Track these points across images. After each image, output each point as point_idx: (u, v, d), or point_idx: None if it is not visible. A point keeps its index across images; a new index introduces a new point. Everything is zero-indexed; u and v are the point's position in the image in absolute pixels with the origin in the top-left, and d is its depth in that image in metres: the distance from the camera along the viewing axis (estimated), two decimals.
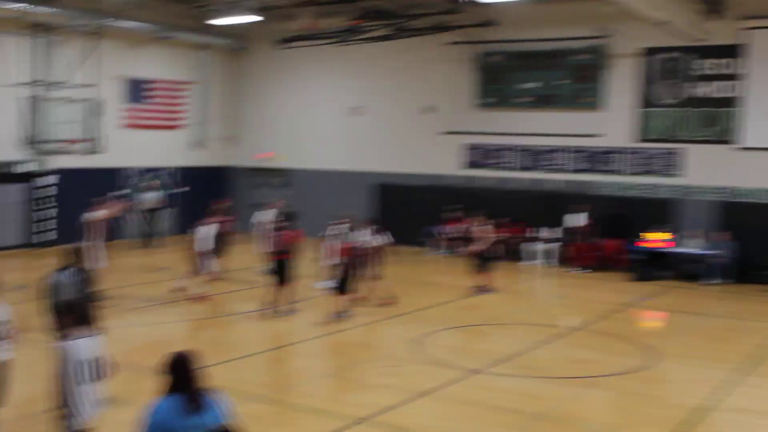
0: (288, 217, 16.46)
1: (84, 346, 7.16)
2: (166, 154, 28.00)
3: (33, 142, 19.39)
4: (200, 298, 17.02)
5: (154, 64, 27.46)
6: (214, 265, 17.60)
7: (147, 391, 10.97)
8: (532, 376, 12.11)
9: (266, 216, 20.12)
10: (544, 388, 11.59)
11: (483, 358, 13.10)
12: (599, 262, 22.37)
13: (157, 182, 26.60)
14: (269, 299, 15.96)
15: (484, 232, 18.83)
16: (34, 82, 20.10)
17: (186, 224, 22.99)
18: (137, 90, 26.73)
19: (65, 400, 7.14)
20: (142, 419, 5.73)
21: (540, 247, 23.29)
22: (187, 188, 28.32)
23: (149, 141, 27.39)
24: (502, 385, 11.70)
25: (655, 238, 21.46)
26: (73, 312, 7.41)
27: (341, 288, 15.67)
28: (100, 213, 17.18)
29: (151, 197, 25.53)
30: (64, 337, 7.26)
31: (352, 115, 27.48)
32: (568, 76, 23.67)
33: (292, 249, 16.25)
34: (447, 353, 13.43)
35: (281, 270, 15.99)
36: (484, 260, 18.71)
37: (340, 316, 15.49)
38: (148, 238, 25.68)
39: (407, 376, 11.96)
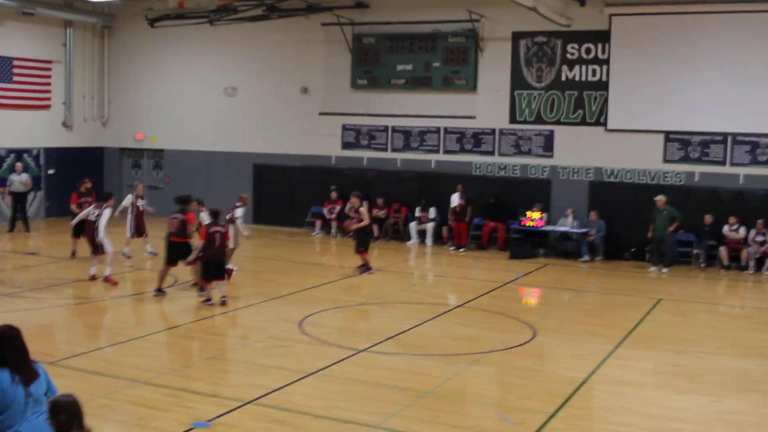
0: (182, 201, 16.17)
1: None
2: (32, 135, 27.01)
3: None
4: (113, 280, 16.89)
5: (18, 42, 26.38)
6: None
7: None
8: (416, 354, 12.27)
9: (130, 198, 20.10)
10: (428, 365, 11.77)
11: (366, 337, 13.20)
12: (475, 242, 22.89)
13: (22, 164, 25.61)
14: (160, 281, 15.90)
15: (360, 212, 19.01)
16: None
17: (54, 207, 22.39)
18: (0, 68, 25.68)
19: None
20: None
21: (417, 226, 23.58)
22: (53, 170, 27.45)
23: (14, 121, 26.33)
24: (387, 363, 11.81)
25: (529, 217, 22.07)
26: None
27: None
28: None
29: (17, 180, 24.52)
30: None
31: (226, 96, 27.11)
32: (441, 58, 23.96)
33: (190, 232, 16.00)
34: (331, 333, 13.48)
35: (176, 252, 15.80)
36: (360, 240, 18.86)
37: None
38: (15, 222, 24.65)
39: (292, 357, 11.95)
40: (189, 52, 27.79)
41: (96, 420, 9.28)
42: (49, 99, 27.57)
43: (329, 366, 11.49)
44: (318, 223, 24.96)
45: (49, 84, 27.52)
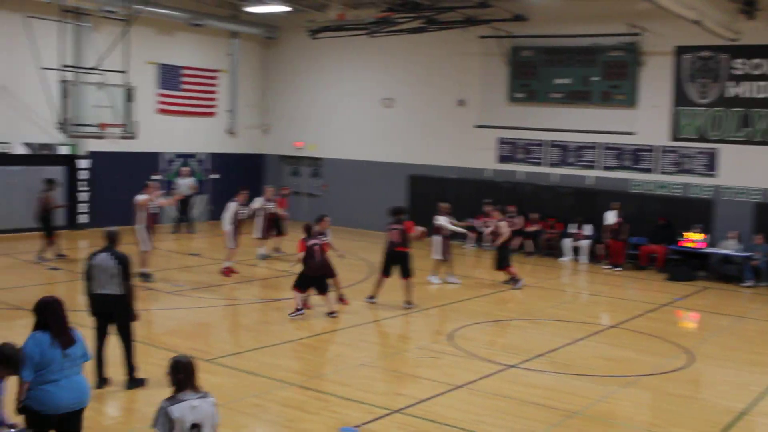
0: (398, 212, 16.45)
1: None
2: (198, 141, 28.27)
3: (67, 125, 19.49)
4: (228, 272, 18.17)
5: (186, 52, 27.63)
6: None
7: None
8: (566, 373, 12.01)
9: (260, 201, 20.67)
10: (577, 385, 11.50)
11: (516, 352, 13.04)
12: (631, 261, 22.27)
13: (189, 168, 26.77)
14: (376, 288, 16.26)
15: (507, 226, 18.86)
16: (67, 67, 20.18)
17: (218, 211, 23.26)
18: (170, 76, 26.97)
19: None
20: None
21: (571, 243, 23.14)
22: (217, 175, 28.59)
23: (182, 127, 27.66)
24: (536, 380, 11.62)
25: (689, 238, 21.30)
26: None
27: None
28: (144, 197, 17.39)
29: (183, 183, 25.69)
30: None
31: (384, 107, 27.46)
32: (600, 72, 23.47)
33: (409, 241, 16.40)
34: (480, 347, 13.37)
35: (398, 262, 16.05)
36: (501, 255, 18.77)
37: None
38: (180, 223, 25.89)
39: (442, 369, 11.93)
40: (348, 63, 28.31)
41: (247, 418, 9.57)
42: (214, 106, 28.71)
43: (477, 380, 11.41)
44: (471, 236, 24.86)
45: (214, 92, 28.65)
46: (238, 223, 18.86)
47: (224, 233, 18.72)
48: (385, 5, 23.45)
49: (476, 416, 9.90)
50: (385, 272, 16.13)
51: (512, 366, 12.20)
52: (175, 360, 6.52)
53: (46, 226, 19.47)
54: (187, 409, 6.24)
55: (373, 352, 13.20)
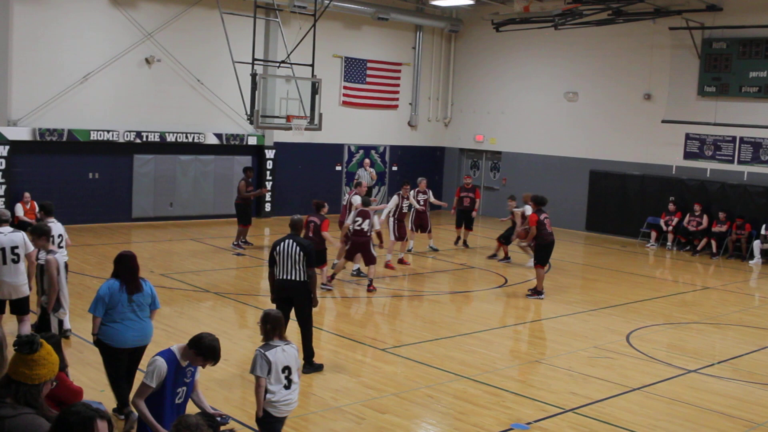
0: (319, 206, 15.80)
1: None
2: (379, 133, 28.80)
3: (256, 117, 20.26)
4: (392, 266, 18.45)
5: (371, 45, 28.16)
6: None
7: (355, 360, 11.40)
8: (751, 382, 11.48)
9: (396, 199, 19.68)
10: (762, 395, 10.94)
11: (697, 357, 12.58)
12: None
13: (370, 160, 27.28)
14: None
15: (694, 225, 18.08)
16: (257, 61, 20.98)
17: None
18: (355, 70, 27.57)
19: None
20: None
21: (761, 245, 22.04)
22: (396, 167, 29.04)
23: (364, 119, 28.25)
24: (717, 387, 11.16)
25: None
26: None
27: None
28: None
29: (365, 175, 26.17)
30: None
31: (567, 101, 27.04)
32: None
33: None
34: (659, 349, 12.99)
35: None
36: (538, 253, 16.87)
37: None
38: None
39: (617, 369, 11.67)
40: (531, 56, 28.02)
41: (418, 408, 9.69)
42: (397, 99, 29.13)
43: (655, 383, 11.09)
44: (653, 234, 24.13)
45: (398, 85, 29.07)
46: (401, 216, 19.12)
47: (382, 226, 18.78)
48: None
49: (652, 420, 9.64)
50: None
51: (692, 371, 11.78)
52: (266, 312, 7.56)
53: (242, 214, 20.34)
54: (279, 353, 7.30)
55: (548, 350, 13.06)
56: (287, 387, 7.31)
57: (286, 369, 7.30)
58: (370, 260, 16.11)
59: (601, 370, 11.62)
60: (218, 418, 6.68)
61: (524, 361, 12.13)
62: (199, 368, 7.09)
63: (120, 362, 8.53)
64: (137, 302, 8.49)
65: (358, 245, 16.04)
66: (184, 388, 6.82)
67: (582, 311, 15.40)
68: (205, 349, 6.71)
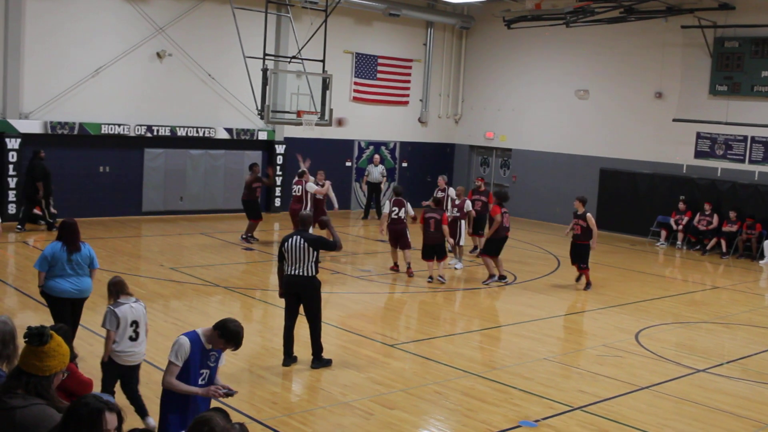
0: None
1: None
2: (390, 129, 28.81)
3: (266, 112, 20.27)
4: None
5: (382, 41, 28.16)
6: None
7: (364, 355, 11.41)
8: (760, 382, 11.44)
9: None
10: None
11: (706, 357, 12.55)
12: None
13: (380, 156, 27.30)
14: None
15: (705, 225, 18.01)
16: (268, 56, 20.99)
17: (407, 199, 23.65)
18: (365, 65, 27.58)
19: None
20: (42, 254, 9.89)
21: None
22: (406, 163, 29.05)
23: (375, 115, 28.25)
24: (726, 387, 11.14)
25: None
26: None
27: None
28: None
29: (375, 171, 26.22)
30: None
31: (577, 98, 26.98)
32: None
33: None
34: (668, 348, 12.96)
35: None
36: (578, 253, 17.10)
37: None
38: (368, 210, 26.48)
39: (626, 368, 11.65)
40: (542, 54, 27.97)
41: (427, 404, 9.70)
42: (407, 96, 29.12)
43: (663, 382, 11.07)
44: (663, 233, 24.07)
45: (408, 81, 29.06)
46: (392, 222, 18.55)
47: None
48: None
49: (661, 419, 9.62)
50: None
51: (701, 370, 11.75)
52: (109, 282, 8.56)
53: (250, 208, 20.39)
54: (128, 309, 8.32)
55: (556, 347, 13.05)
56: (133, 339, 8.31)
57: (134, 323, 8.32)
58: (406, 245, 17.18)
59: (609, 368, 11.60)
60: (224, 391, 6.73)
61: (533, 358, 12.12)
62: (225, 356, 7.12)
63: (64, 311, 9.93)
64: (75, 261, 9.93)
65: (397, 232, 17.21)
66: (208, 371, 6.86)
67: (591, 309, 15.39)
68: (229, 334, 6.78)
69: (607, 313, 15.16)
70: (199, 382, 6.78)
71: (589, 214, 16.71)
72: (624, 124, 25.86)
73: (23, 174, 20.85)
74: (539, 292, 16.27)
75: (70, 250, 9.91)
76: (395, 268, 17.62)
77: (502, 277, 17.08)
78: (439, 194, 18.91)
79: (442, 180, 19.94)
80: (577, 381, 10.98)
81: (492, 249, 16.93)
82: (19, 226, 20.00)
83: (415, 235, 17.75)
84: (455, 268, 18.36)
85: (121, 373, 8.40)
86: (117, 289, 8.43)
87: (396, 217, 17.23)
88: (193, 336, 6.81)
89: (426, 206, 17.59)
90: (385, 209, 17.68)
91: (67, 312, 9.93)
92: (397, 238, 17.24)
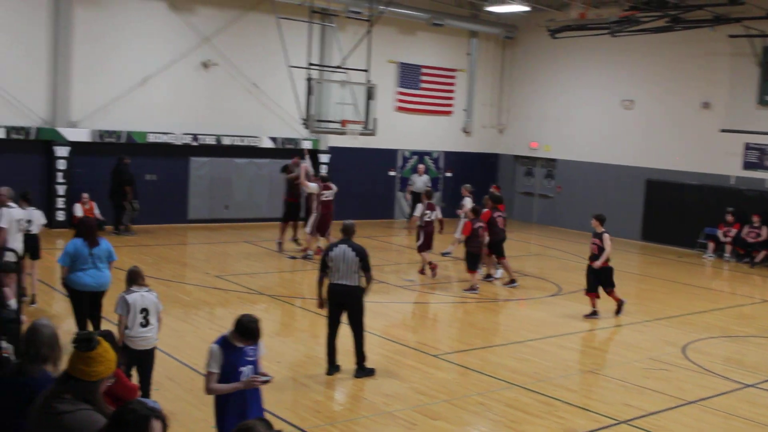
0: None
1: None
2: (433, 139, 28.79)
3: (311, 121, 20.35)
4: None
5: (426, 51, 28.17)
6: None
7: (407, 365, 11.37)
8: None
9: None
10: None
11: (755, 371, 12.32)
12: None
13: (424, 166, 27.25)
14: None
15: (753, 237, 17.62)
16: (313, 66, 21.07)
17: (450, 208, 23.62)
18: (409, 75, 27.61)
19: None
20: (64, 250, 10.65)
21: None
22: (450, 173, 29.00)
23: (419, 125, 28.27)
24: None
25: None
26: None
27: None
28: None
29: (418, 181, 26.13)
30: None
31: (623, 108, 26.74)
32: None
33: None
34: (716, 362, 12.74)
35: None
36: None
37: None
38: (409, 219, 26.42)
39: (672, 382, 11.48)
40: (587, 63, 27.78)
41: (470, 416, 9.63)
42: (451, 105, 29.08)
43: (711, 397, 10.89)
44: (711, 245, 23.72)
45: (452, 91, 29.02)
46: (425, 224, 18.25)
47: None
48: (629, 4, 22.82)
49: None
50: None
51: (750, 385, 11.54)
52: (128, 270, 9.07)
53: (287, 214, 20.51)
54: (138, 297, 8.82)
55: (601, 360, 12.91)
56: (144, 325, 8.80)
57: (144, 310, 8.81)
58: (430, 246, 18.12)
59: (656, 382, 11.44)
60: (262, 378, 6.98)
61: (578, 370, 12.00)
62: (263, 346, 7.40)
63: (83, 302, 10.71)
64: (96, 255, 10.66)
65: (429, 234, 18.02)
66: (250, 366, 7.11)
67: (637, 322, 15.20)
68: (242, 328, 7.14)
69: (653, 326, 14.97)
70: (242, 379, 7.03)
71: (606, 235, 15.33)
72: (670, 134, 25.57)
73: (72, 182, 21.15)
74: (584, 303, 16.08)
75: (90, 245, 10.64)
76: (426, 269, 18.19)
77: (508, 279, 17.81)
78: (429, 212, 18.40)
79: (465, 190, 20.74)
80: (623, 394, 10.84)
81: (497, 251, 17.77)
82: (116, 230, 21.29)
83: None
84: (495, 278, 18.26)
85: (138, 359, 8.79)
86: (132, 278, 8.98)
87: (429, 220, 18.05)
88: (220, 341, 7.15)
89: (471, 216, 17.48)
90: (417, 212, 18.50)
91: (85, 304, 10.74)
92: (430, 239, 18.06)
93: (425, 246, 18.02)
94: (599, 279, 15.23)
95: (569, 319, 15.09)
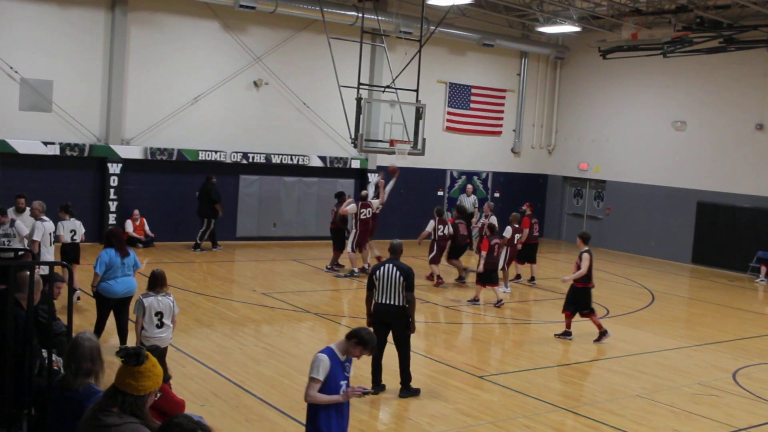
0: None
1: None
2: (482, 159, 28.75)
3: (360, 140, 20.43)
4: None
5: (476, 71, 28.18)
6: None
7: (452, 386, 11.33)
8: None
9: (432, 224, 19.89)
10: None
11: None
12: None
13: (472, 187, 27.17)
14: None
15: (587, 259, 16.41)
16: (363, 85, 21.18)
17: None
18: (459, 95, 27.64)
19: None
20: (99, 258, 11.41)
21: None
22: (498, 194, 28.91)
23: (467, 145, 28.27)
24: None
25: None
26: None
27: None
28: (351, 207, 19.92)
29: (467, 201, 26.01)
30: None
31: (674, 130, 26.46)
32: None
33: None
34: (767, 389, 12.52)
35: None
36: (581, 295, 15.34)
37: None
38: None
39: (722, 408, 11.29)
40: (638, 84, 27.56)
41: None
42: (500, 126, 29.05)
43: (762, 424, 10.68)
44: (764, 269, 23.32)
45: (501, 111, 29.00)
46: (438, 239, 19.53)
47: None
48: (682, 24, 22.64)
49: None
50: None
51: None
52: (153, 272, 9.77)
53: (336, 238, 20.59)
54: (154, 301, 9.56)
55: (649, 384, 12.73)
56: (159, 327, 9.59)
57: (159, 314, 9.58)
58: (439, 260, 19.51)
59: (705, 407, 11.26)
60: (360, 390, 7.09)
61: (625, 394, 11.85)
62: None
63: (107, 309, 11.67)
64: (126, 264, 11.53)
65: (442, 248, 19.48)
66: (346, 381, 7.22)
67: (686, 346, 14.98)
68: (364, 341, 7.25)
69: (702, 351, 14.74)
70: (341, 392, 7.13)
71: (585, 254, 14.56)
72: (723, 156, 25.23)
73: (123, 198, 21.50)
74: (632, 326, 15.92)
75: (122, 254, 11.52)
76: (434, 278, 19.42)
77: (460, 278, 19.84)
78: (441, 227, 19.57)
79: (487, 207, 21.73)
80: (671, 419, 10.69)
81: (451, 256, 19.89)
82: (214, 247, 22.17)
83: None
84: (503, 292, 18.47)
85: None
86: (153, 283, 9.68)
87: (442, 234, 19.41)
88: (328, 352, 7.19)
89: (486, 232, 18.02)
90: (429, 227, 19.65)
91: (109, 309, 11.68)
92: (440, 252, 19.47)
93: (437, 259, 19.42)
94: (575, 300, 14.82)
95: (618, 341, 14.92)
